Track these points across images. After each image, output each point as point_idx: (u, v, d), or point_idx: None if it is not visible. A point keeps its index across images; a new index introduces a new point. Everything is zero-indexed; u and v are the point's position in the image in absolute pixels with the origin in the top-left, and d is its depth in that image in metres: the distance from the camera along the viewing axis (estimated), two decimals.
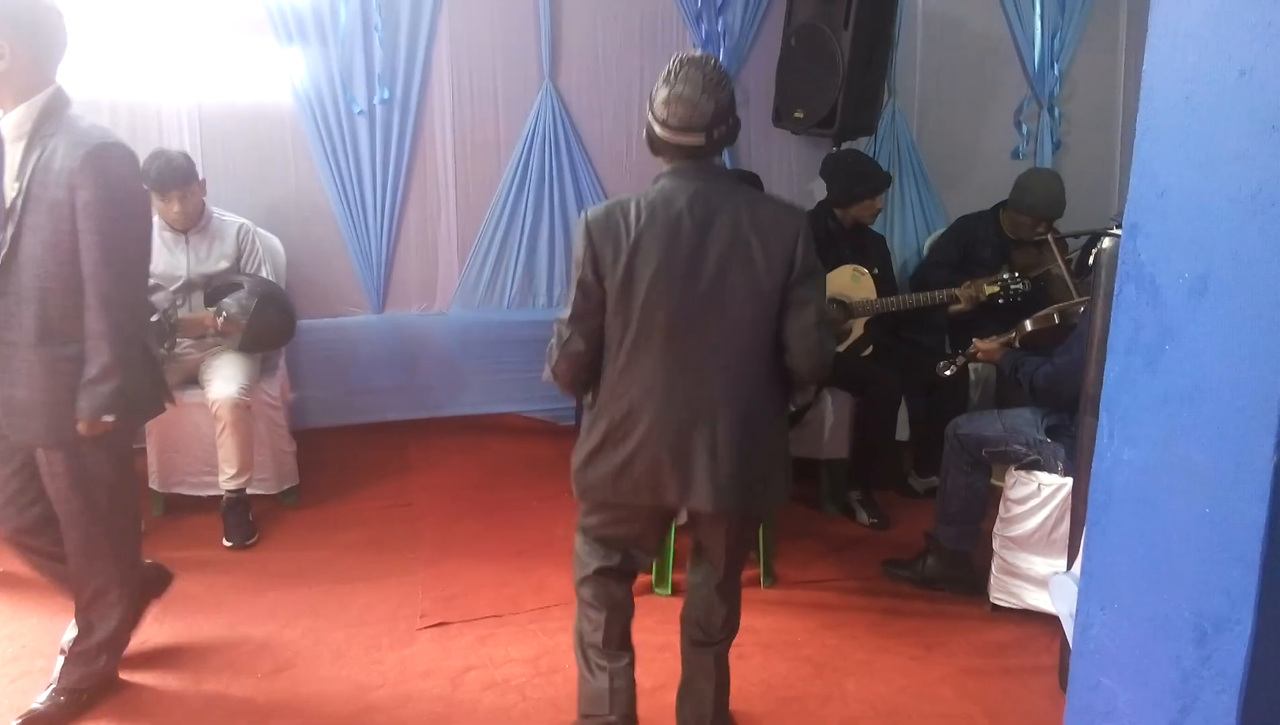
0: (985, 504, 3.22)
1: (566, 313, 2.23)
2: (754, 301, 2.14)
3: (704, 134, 2.12)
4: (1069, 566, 2.62)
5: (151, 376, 2.63)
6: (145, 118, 4.05)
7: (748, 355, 2.18)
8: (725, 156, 4.64)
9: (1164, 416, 1.45)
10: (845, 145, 4.36)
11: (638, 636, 3.02)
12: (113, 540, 2.62)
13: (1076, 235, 4.06)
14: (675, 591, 3.29)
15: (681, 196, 2.15)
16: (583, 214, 2.20)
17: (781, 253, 2.13)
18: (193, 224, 3.72)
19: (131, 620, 2.74)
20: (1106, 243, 2.47)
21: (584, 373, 2.28)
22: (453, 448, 4.53)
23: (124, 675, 2.80)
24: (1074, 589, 1.78)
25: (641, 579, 3.33)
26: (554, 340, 2.26)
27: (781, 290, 2.14)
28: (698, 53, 2.19)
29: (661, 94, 2.12)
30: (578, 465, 2.31)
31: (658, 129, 2.15)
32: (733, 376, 2.18)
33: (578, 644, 2.47)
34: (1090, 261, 2.57)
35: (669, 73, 2.13)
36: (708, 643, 2.51)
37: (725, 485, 2.20)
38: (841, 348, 3.90)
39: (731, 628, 2.52)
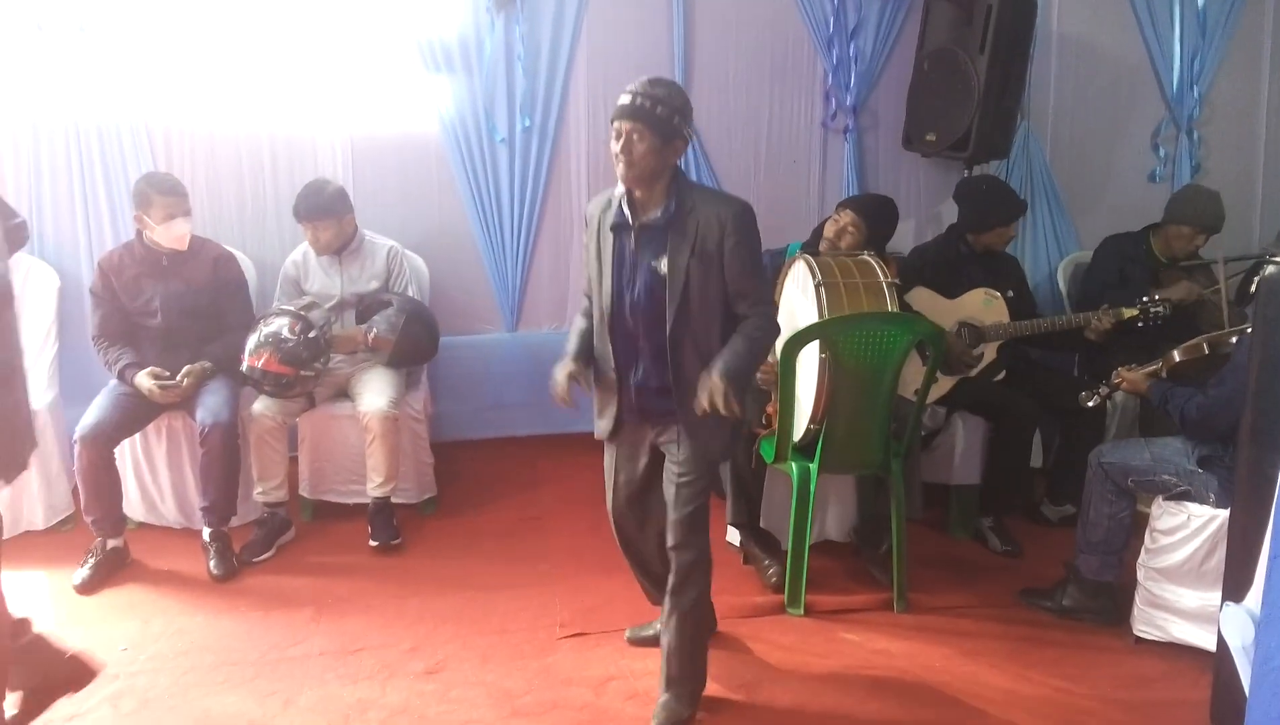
0: (1129, 534, 3.16)
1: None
2: None
3: None
4: (1224, 599, 2.57)
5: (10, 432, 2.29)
6: (301, 148, 4.30)
7: None
8: (853, 178, 4.69)
9: None
10: (978, 169, 4.34)
11: (774, 655, 3.10)
12: None
13: (1230, 260, 3.94)
14: (808, 612, 3.32)
15: None
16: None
17: None
18: (329, 251, 3.92)
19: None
20: (1270, 271, 2.42)
21: None
22: (580, 463, 4.62)
23: (285, 672, 2.98)
24: (1250, 623, 1.76)
25: (773, 598, 3.40)
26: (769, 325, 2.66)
27: None
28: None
29: (689, 111, 2.56)
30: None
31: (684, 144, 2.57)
32: None
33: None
34: (1252, 290, 2.53)
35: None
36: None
37: None
38: (973, 372, 3.88)
39: None
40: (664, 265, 2.55)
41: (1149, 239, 4.16)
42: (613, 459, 2.82)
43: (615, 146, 2.50)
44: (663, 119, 2.46)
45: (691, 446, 2.63)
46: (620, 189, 2.59)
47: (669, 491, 2.67)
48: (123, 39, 4.03)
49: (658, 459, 2.75)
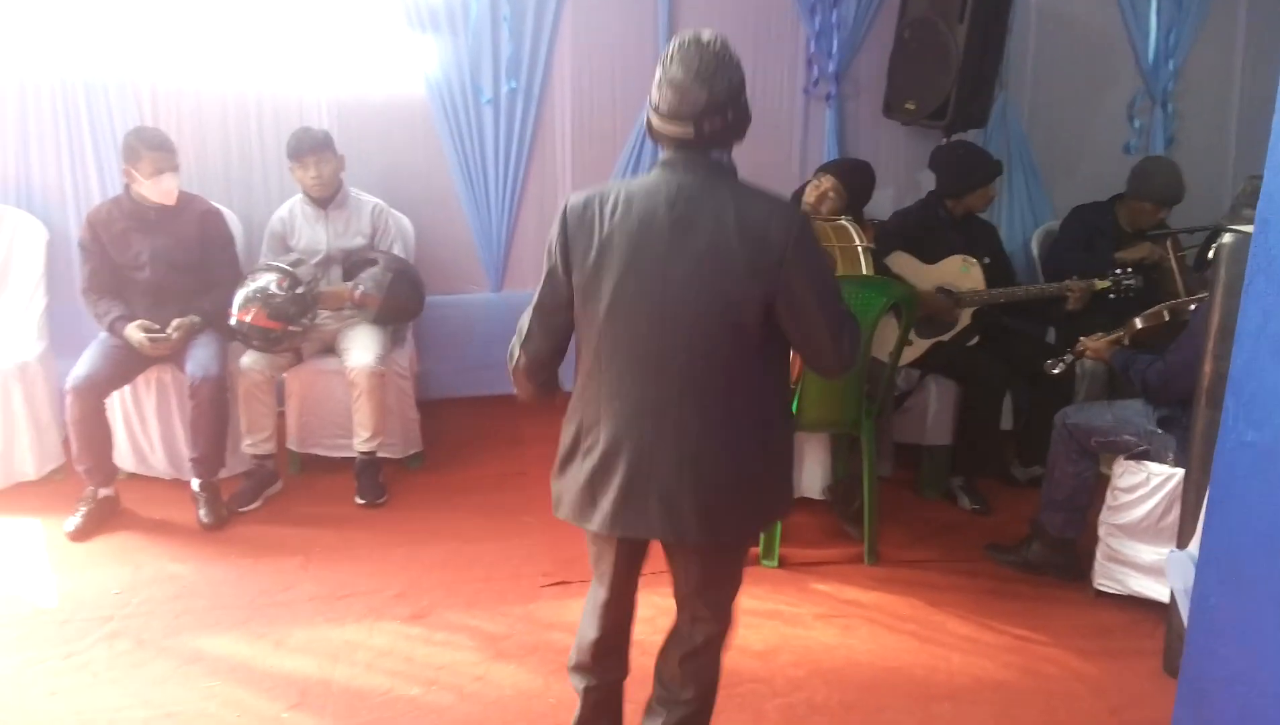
0: (1092, 493, 3.28)
1: (532, 305, 2.09)
2: (731, 310, 1.91)
3: (692, 125, 1.91)
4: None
5: None
6: (287, 108, 4.31)
7: (724, 368, 1.96)
8: (834, 144, 4.75)
9: None
10: (956, 137, 4.43)
11: (747, 604, 3.18)
12: None
13: (1191, 231, 4.06)
14: (782, 564, 3.44)
15: (663, 191, 1.95)
16: (565, 200, 2.04)
17: (769, 257, 1.89)
18: (329, 193, 3.96)
19: None
20: (1227, 238, 2.53)
21: (543, 373, 2.12)
22: (561, 422, 4.72)
23: (275, 616, 3.08)
24: (1190, 566, 1.88)
25: (750, 551, 3.51)
26: (515, 336, 2.12)
27: (766, 298, 1.90)
28: (707, 33, 1.92)
29: (656, 75, 1.94)
30: (554, 469, 2.13)
31: (651, 115, 1.98)
32: (704, 391, 1.96)
33: None
34: (1210, 256, 2.63)
35: (668, 54, 1.93)
36: (670, 701, 2.27)
37: (687, 513, 1.99)
38: (947, 337, 3.98)
39: (701, 700, 2.26)
40: None
41: (1115, 209, 4.27)
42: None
43: None
44: None
45: None
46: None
47: None
48: None
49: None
